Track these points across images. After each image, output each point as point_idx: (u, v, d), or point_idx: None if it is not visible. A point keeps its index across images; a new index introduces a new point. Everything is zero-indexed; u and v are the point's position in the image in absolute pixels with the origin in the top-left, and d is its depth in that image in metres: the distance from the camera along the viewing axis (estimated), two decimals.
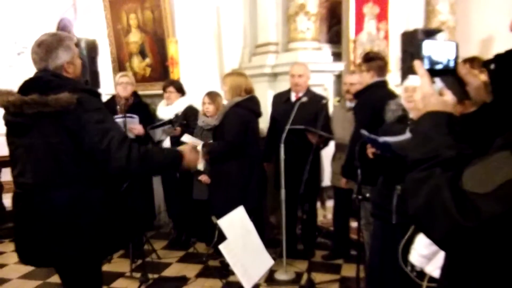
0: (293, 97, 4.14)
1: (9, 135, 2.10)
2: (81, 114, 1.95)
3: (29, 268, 4.10)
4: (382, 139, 2.61)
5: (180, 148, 2.25)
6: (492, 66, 1.00)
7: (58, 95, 1.92)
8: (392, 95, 3.23)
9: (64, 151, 1.99)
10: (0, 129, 2.17)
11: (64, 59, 2.07)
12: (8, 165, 5.33)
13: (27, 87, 2.03)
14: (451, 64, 1.14)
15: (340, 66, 5.13)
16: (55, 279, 3.21)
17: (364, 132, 2.73)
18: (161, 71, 5.26)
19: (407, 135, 2.53)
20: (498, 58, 0.99)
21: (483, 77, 1.22)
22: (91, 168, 2.03)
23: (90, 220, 2.03)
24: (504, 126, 0.95)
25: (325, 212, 4.99)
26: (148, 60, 5.35)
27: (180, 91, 4.48)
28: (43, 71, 2.07)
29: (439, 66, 1.13)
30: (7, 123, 2.07)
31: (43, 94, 1.94)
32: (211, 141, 3.88)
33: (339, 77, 5.17)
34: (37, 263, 2.24)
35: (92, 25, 5.45)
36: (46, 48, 2.06)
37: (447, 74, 1.15)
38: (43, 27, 5.58)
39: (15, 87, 2.08)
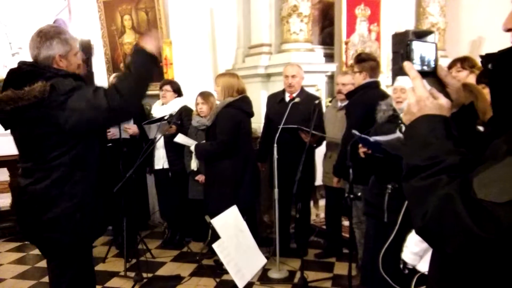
0: (287, 98, 4.17)
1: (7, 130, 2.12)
2: (58, 97, 1.93)
3: (24, 268, 4.12)
4: (373, 138, 2.65)
5: (138, 47, 2.14)
6: (490, 66, 0.97)
7: (32, 86, 1.91)
8: (384, 96, 3.26)
9: (48, 140, 1.99)
10: None
11: (58, 51, 2.04)
12: (3, 166, 5.27)
13: (6, 82, 2.01)
14: (432, 65, 1.11)
15: (332, 67, 5.19)
16: None
17: (355, 132, 2.77)
18: (155, 72, 5.27)
19: (397, 134, 2.58)
20: (493, 57, 0.96)
21: (465, 78, 1.21)
22: (77, 154, 2.02)
23: (67, 206, 2.02)
24: (501, 127, 0.92)
25: (318, 211, 5.03)
26: None
27: (177, 91, 4.49)
28: (23, 62, 2.05)
29: (425, 68, 1.09)
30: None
31: (18, 88, 1.93)
32: (204, 141, 3.91)
33: (331, 78, 5.23)
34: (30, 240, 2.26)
35: (86, 26, 5.45)
36: (42, 36, 2.04)
37: (428, 76, 1.12)
38: (37, 28, 5.58)
39: None
